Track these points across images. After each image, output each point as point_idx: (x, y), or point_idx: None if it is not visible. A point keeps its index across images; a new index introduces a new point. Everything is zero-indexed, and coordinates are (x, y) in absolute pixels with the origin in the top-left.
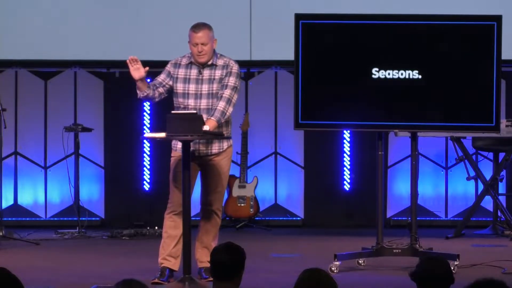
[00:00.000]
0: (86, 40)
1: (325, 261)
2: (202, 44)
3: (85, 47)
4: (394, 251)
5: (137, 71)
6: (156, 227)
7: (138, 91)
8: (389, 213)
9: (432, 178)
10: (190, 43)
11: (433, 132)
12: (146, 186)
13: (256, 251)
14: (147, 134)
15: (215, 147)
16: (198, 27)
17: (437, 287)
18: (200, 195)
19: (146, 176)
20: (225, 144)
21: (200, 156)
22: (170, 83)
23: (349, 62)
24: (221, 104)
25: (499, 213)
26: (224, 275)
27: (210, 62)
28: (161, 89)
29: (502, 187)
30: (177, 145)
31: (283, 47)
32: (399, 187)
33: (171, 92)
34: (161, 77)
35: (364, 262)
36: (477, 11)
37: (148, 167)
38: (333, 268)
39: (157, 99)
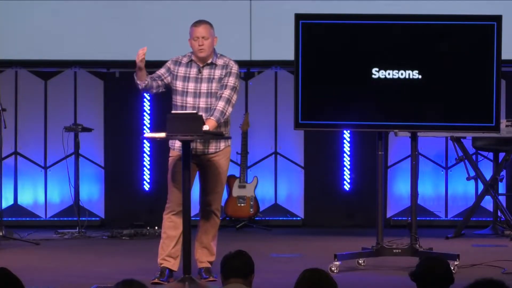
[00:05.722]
0: (86, 40)
1: (325, 261)
2: (202, 37)
3: (85, 47)
4: (394, 251)
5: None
6: (156, 227)
7: (138, 81)
8: (389, 213)
9: (432, 178)
10: (191, 39)
11: (433, 132)
12: (146, 186)
13: (256, 251)
14: (147, 134)
15: (212, 147)
16: (199, 22)
17: (437, 287)
18: (199, 195)
19: (146, 176)
20: (222, 144)
21: (197, 154)
22: (169, 78)
23: (349, 62)
24: (221, 104)
25: (499, 213)
26: (237, 273)
27: (210, 61)
28: (159, 82)
29: (502, 187)
30: (175, 144)
31: (283, 47)
32: (399, 187)
33: (168, 87)
34: (161, 71)
35: (364, 262)
36: (477, 11)
37: (148, 167)
38: (333, 268)
39: (154, 91)
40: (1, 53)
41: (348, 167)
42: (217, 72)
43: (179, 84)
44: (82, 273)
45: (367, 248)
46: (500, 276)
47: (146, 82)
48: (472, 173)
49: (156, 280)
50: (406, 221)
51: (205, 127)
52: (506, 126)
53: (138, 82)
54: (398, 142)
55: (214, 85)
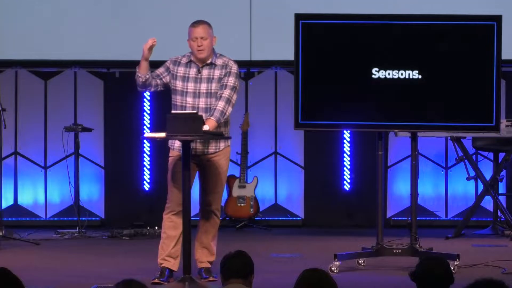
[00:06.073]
0: (86, 40)
1: (325, 261)
2: (201, 38)
3: (85, 47)
4: (394, 251)
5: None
6: (156, 227)
7: (140, 73)
8: (389, 213)
9: (432, 178)
10: (190, 39)
11: (433, 132)
12: (146, 186)
13: (256, 251)
14: (147, 134)
15: (212, 147)
16: (197, 22)
17: (437, 287)
18: (198, 195)
19: (146, 176)
20: (221, 144)
21: (197, 155)
22: (167, 78)
23: (349, 62)
24: (221, 104)
25: (499, 213)
26: (237, 274)
27: (209, 61)
28: (158, 81)
29: (502, 187)
30: (175, 144)
31: (283, 47)
32: (399, 187)
33: (167, 87)
34: (160, 70)
35: (364, 262)
36: (477, 11)
37: (148, 167)
38: (333, 268)
39: (153, 89)
40: (1, 53)
41: (348, 167)
42: (217, 72)
43: (178, 84)
44: (82, 273)
45: (367, 248)
46: (500, 276)
47: (148, 76)
48: (472, 173)
49: (156, 280)
50: (406, 221)
51: (205, 127)
52: (506, 126)
53: (140, 74)
54: (398, 142)
55: (213, 85)
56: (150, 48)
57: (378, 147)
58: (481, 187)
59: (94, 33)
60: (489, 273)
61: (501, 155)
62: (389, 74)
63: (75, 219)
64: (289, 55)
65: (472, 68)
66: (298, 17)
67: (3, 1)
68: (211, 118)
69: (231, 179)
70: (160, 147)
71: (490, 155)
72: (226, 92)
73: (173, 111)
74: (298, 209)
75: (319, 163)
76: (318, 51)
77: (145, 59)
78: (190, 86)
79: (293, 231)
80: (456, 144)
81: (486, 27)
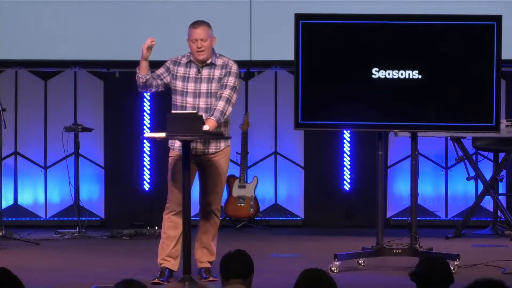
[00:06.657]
0: (86, 40)
1: (325, 261)
2: (201, 40)
3: (85, 47)
4: (394, 251)
5: (149, 50)
6: (156, 227)
7: (140, 74)
8: (389, 213)
9: (432, 178)
10: (189, 40)
11: (433, 132)
12: (146, 186)
13: (256, 251)
14: (147, 134)
15: (212, 147)
16: (197, 23)
17: (437, 287)
18: (198, 195)
19: (146, 176)
20: (222, 144)
21: (197, 155)
22: (168, 78)
23: (349, 62)
24: (221, 104)
25: (499, 213)
26: (236, 274)
27: (209, 61)
28: (159, 81)
29: (502, 187)
30: (175, 144)
31: (283, 47)
32: (399, 187)
33: (167, 87)
34: (160, 71)
35: (364, 262)
36: (477, 11)
37: (148, 167)
38: (333, 268)
39: (154, 90)
40: (1, 53)
41: (348, 167)
42: (217, 72)
43: (178, 84)
44: (82, 273)
45: (367, 248)
46: (500, 276)
47: (148, 77)
48: (472, 173)
49: (156, 280)
50: (406, 221)
51: (205, 127)
52: (506, 126)
53: (140, 75)
54: (398, 142)
55: (213, 85)
56: (149, 48)
57: (378, 147)
58: (481, 187)
59: (94, 33)
60: (489, 273)
61: (501, 155)
62: (389, 74)
63: (75, 219)
64: (289, 55)
65: (472, 68)
66: (298, 17)
67: (3, 1)
68: (211, 118)
69: (231, 179)
70: (160, 147)
71: (490, 155)
72: (226, 92)
73: (173, 111)
74: (298, 209)
75: (319, 163)
76: (318, 51)
77: (145, 59)
78: (190, 86)
79: (293, 231)
80: (456, 144)
81: (486, 27)
